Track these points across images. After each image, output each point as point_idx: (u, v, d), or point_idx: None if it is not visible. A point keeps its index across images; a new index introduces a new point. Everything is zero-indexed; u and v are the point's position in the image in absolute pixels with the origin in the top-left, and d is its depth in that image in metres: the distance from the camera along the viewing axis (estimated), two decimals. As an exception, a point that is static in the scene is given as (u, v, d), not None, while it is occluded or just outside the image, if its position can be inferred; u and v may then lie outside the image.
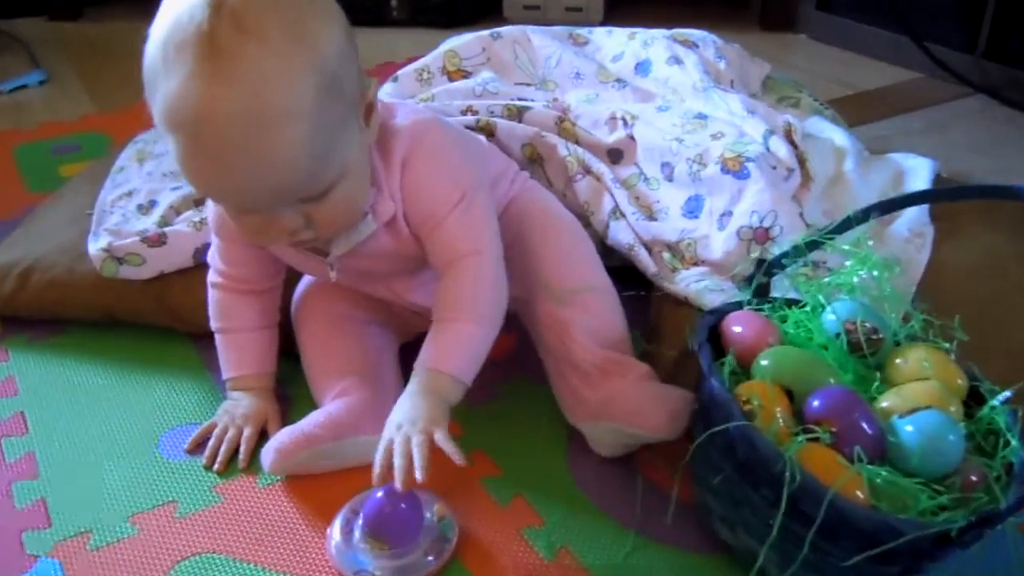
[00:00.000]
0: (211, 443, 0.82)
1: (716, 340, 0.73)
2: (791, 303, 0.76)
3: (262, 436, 0.83)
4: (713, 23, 2.11)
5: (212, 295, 0.87)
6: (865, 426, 0.63)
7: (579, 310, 0.82)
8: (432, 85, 1.20)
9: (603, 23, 2.02)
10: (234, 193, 0.67)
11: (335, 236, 0.76)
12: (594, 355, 0.80)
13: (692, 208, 0.95)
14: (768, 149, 0.96)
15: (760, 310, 0.75)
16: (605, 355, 0.81)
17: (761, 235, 0.89)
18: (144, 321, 0.96)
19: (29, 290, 0.96)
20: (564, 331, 0.81)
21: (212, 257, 0.86)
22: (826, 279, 0.74)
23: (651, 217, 0.97)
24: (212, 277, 0.86)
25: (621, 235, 0.96)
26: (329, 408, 0.80)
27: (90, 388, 0.90)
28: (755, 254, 0.89)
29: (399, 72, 1.22)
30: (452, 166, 0.78)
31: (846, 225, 0.76)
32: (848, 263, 0.73)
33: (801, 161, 0.98)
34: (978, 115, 1.63)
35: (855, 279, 0.72)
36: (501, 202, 0.88)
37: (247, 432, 0.83)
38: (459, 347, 0.76)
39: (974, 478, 0.62)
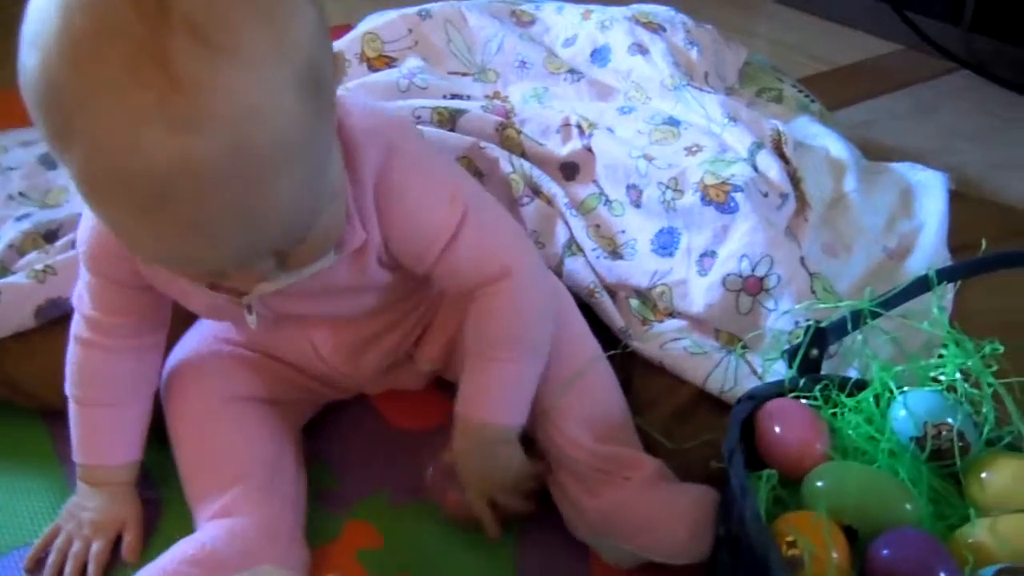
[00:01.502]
0: (51, 560, 0.64)
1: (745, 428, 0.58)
2: (844, 384, 0.60)
3: (117, 549, 0.65)
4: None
5: (75, 352, 0.66)
6: None
7: (570, 395, 0.65)
8: (348, 76, 1.00)
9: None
10: (205, 262, 0.49)
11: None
12: (591, 454, 0.64)
13: (664, 243, 0.78)
14: (756, 170, 0.78)
15: (808, 398, 0.59)
16: (604, 452, 0.64)
17: (753, 285, 0.72)
18: (-21, 395, 0.76)
19: None
20: (551, 423, 0.65)
21: (79, 300, 0.66)
22: (901, 367, 0.58)
23: (615, 253, 0.79)
24: (78, 329, 0.66)
25: (579, 276, 0.78)
26: (204, 537, 0.61)
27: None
28: (746, 309, 0.72)
29: (308, 61, 1.01)
30: (441, 178, 0.62)
31: (919, 288, 0.60)
32: (944, 349, 0.58)
33: (795, 181, 0.81)
34: (966, 94, 1.48)
35: (956, 374, 0.56)
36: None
37: (96, 547, 0.64)
38: (503, 391, 0.64)
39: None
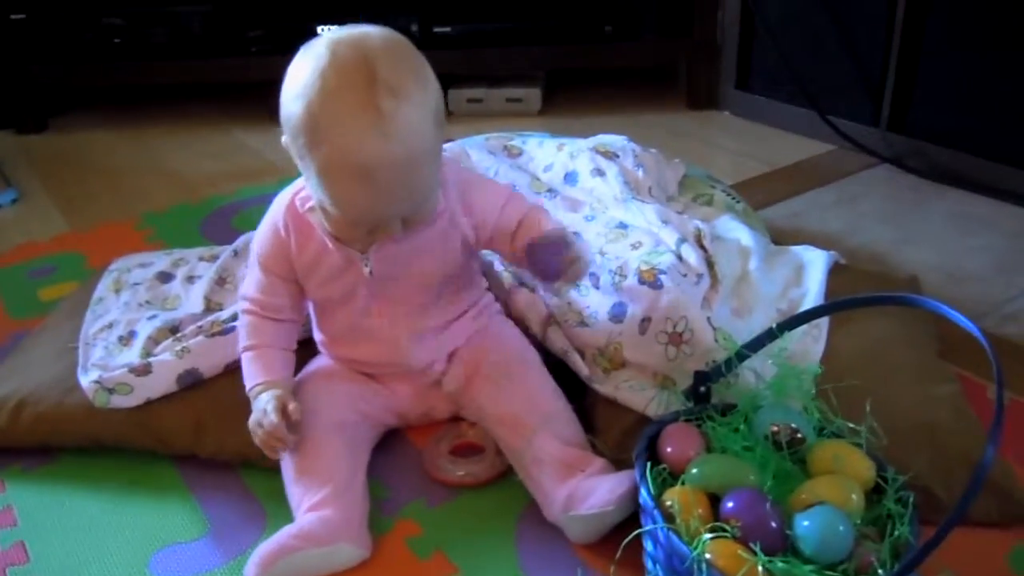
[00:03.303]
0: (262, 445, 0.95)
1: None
2: (727, 409, 0.89)
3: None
4: (644, 104, 2.29)
5: (244, 320, 1.01)
6: (767, 522, 0.74)
7: (544, 418, 0.97)
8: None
9: (541, 112, 2.17)
10: (377, 215, 0.88)
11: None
12: (558, 451, 0.93)
13: (617, 313, 1.07)
14: (680, 257, 1.09)
15: (695, 419, 0.88)
16: (567, 450, 0.94)
17: (675, 339, 1.01)
18: (128, 446, 1.05)
19: (21, 424, 1.05)
20: (531, 433, 0.95)
21: (247, 289, 1.01)
22: (759, 387, 0.89)
23: (582, 323, 1.09)
24: (244, 306, 1.01)
25: (556, 342, 1.08)
26: (302, 522, 0.89)
27: (84, 514, 0.99)
28: (672, 356, 1.01)
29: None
30: (492, 182, 1.09)
31: (769, 337, 0.90)
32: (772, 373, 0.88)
33: (710, 264, 1.11)
34: (885, 184, 1.79)
35: (784, 388, 0.87)
36: (476, 329, 1.06)
37: (271, 406, 0.94)
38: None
39: (872, 559, 0.73)
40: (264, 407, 0.95)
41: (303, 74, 0.83)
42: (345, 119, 0.81)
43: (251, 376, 0.99)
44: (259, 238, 1.00)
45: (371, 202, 0.85)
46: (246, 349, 1.00)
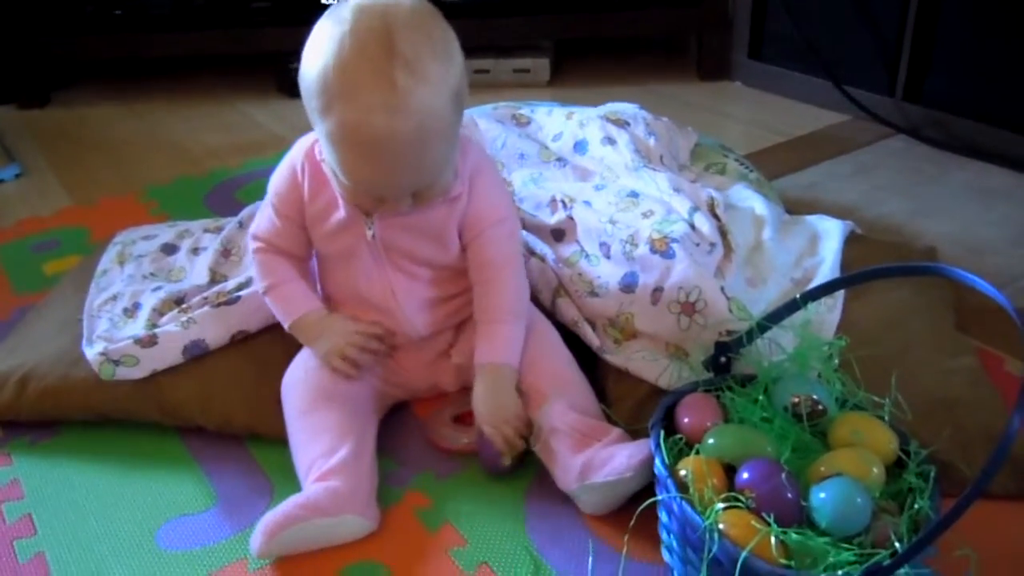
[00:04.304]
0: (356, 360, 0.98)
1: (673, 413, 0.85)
2: (747, 380, 0.87)
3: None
4: (654, 75, 2.25)
5: (259, 259, 1.01)
6: (782, 493, 0.72)
7: (559, 388, 0.95)
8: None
9: (549, 83, 2.13)
10: (382, 188, 0.86)
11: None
12: (575, 420, 0.92)
13: (629, 282, 1.05)
14: (692, 226, 1.06)
15: (713, 389, 0.86)
16: (583, 420, 0.92)
17: (688, 308, 0.99)
18: (134, 418, 1.04)
19: (27, 397, 1.04)
20: (546, 403, 0.93)
21: (259, 229, 1.00)
22: (778, 358, 0.86)
23: (593, 293, 1.07)
24: (257, 246, 1.00)
25: (567, 312, 1.06)
26: (308, 492, 0.88)
27: (91, 486, 0.98)
28: (685, 326, 0.99)
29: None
30: (505, 191, 1.02)
31: (792, 308, 0.88)
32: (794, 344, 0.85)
33: (723, 233, 1.09)
34: (900, 155, 1.75)
35: (807, 362, 0.84)
36: None
37: (351, 326, 0.98)
38: (510, 343, 0.97)
39: (890, 533, 0.71)
40: (343, 328, 0.97)
41: (323, 37, 0.81)
42: (358, 90, 0.79)
43: (290, 312, 0.99)
44: (276, 178, 0.98)
45: (377, 175, 0.84)
46: (269, 289, 1.00)
